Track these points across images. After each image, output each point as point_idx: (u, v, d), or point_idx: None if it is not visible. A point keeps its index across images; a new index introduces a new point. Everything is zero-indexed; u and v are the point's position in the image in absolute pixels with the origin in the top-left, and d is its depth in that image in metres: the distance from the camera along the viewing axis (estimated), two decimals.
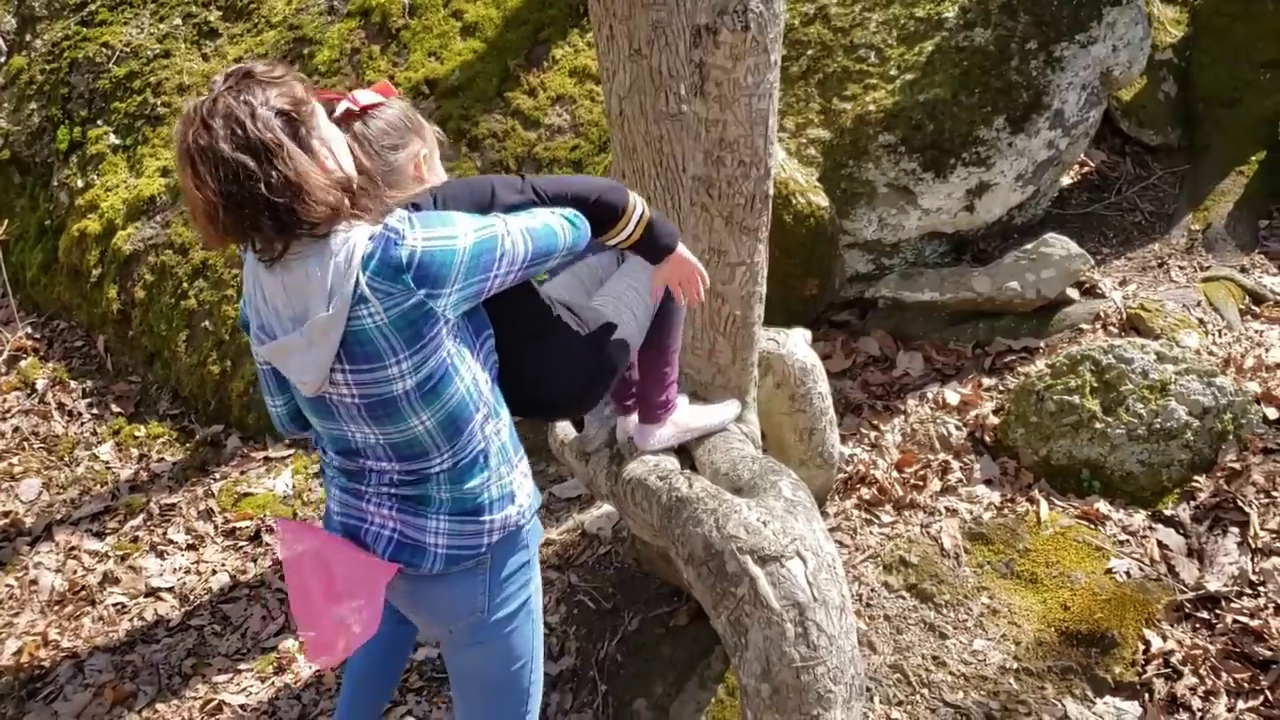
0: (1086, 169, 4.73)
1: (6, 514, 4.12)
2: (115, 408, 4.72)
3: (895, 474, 3.40)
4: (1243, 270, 4.02)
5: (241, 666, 3.34)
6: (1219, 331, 3.65)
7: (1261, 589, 2.69)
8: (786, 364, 2.91)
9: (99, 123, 5.30)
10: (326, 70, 4.89)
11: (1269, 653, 2.53)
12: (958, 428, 3.51)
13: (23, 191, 5.56)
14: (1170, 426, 3.11)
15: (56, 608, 3.66)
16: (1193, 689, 2.50)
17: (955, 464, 3.39)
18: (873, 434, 3.61)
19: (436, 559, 1.81)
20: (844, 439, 3.54)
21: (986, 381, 3.69)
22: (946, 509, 3.19)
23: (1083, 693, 2.58)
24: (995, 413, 3.51)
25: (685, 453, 2.56)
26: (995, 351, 3.80)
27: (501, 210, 1.79)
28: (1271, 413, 3.17)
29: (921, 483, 3.33)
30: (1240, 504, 2.92)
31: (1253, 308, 3.82)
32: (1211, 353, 3.51)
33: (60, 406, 4.75)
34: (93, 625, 3.57)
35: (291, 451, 4.26)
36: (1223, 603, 2.69)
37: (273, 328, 1.70)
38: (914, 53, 4.11)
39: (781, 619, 1.98)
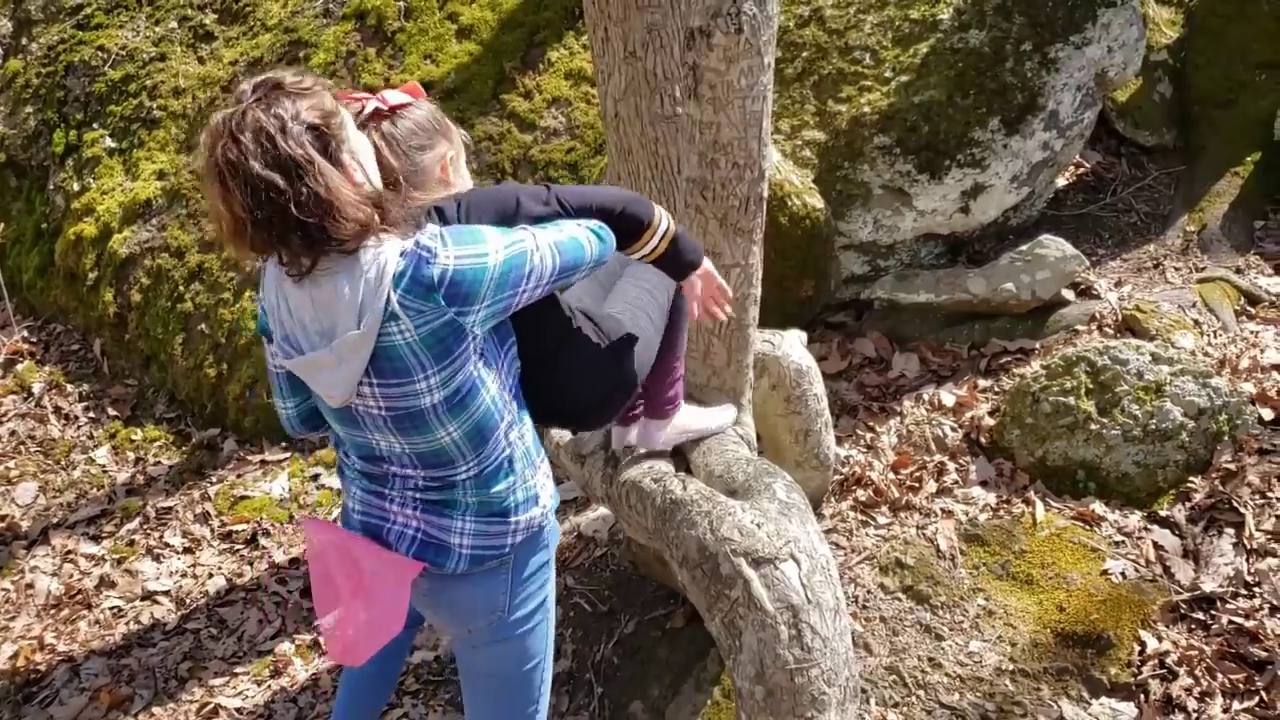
0: (1082, 170, 4.73)
1: (3, 518, 4.11)
2: (112, 411, 4.72)
3: (891, 475, 3.40)
4: (1238, 271, 4.02)
5: (238, 670, 3.34)
6: (1214, 332, 3.65)
7: (1257, 590, 2.69)
8: (782, 366, 2.91)
9: (95, 126, 5.30)
10: (322, 73, 4.88)
11: (1264, 653, 2.53)
12: (953, 429, 3.51)
13: (19, 195, 5.56)
14: (1165, 427, 3.11)
15: (52, 611, 3.66)
16: (1188, 690, 2.51)
17: (951, 465, 3.39)
18: (868, 436, 3.62)
19: (461, 559, 1.81)
20: (840, 441, 3.54)
21: (982, 383, 3.69)
22: (942, 510, 3.19)
23: (1078, 694, 2.58)
24: (991, 414, 3.51)
25: (680, 455, 2.57)
26: (991, 353, 3.80)
27: (526, 221, 1.78)
28: (1267, 413, 3.17)
29: (917, 484, 3.33)
30: (1235, 505, 2.93)
31: (1248, 308, 3.82)
32: (1207, 354, 3.51)
33: (57, 410, 4.74)
34: (89, 629, 3.57)
35: (288, 455, 4.26)
36: (1218, 603, 2.69)
37: (298, 340, 1.69)
38: (909, 54, 4.12)
39: (776, 621, 1.98)
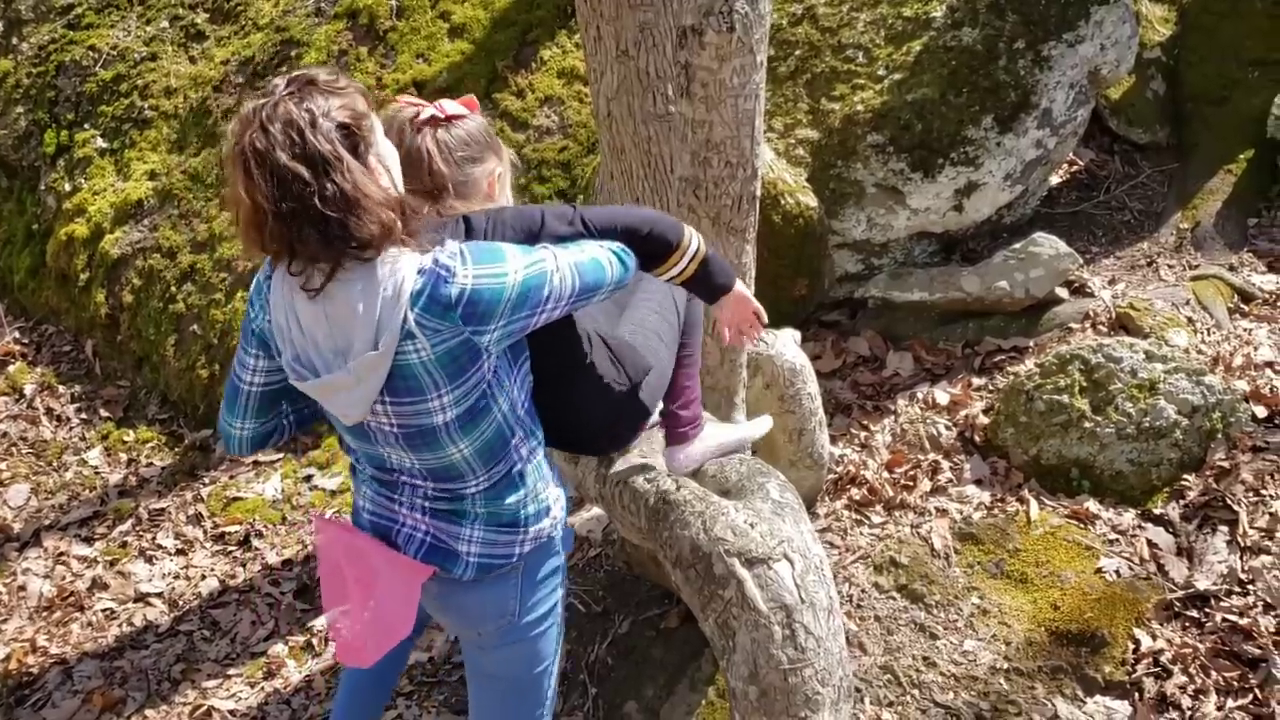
0: (1075, 168, 4.73)
1: None
2: (104, 412, 4.70)
3: (885, 474, 3.39)
4: (1231, 268, 4.02)
5: (231, 672, 3.33)
6: (1208, 330, 3.65)
7: (1250, 587, 2.69)
8: (775, 365, 2.91)
9: (86, 126, 5.28)
10: None
11: (1258, 651, 2.53)
12: (947, 428, 3.51)
13: (10, 195, 5.54)
14: (1159, 425, 3.11)
15: (45, 614, 3.65)
16: (1182, 688, 2.50)
17: (945, 464, 3.39)
18: (862, 434, 3.61)
19: (469, 566, 1.80)
20: (834, 439, 3.53)
21: (976, 381, 3.69)
22: (936, 509, 3.19)
23: (1073, 692, 2.58)
24: (985, 412, 3.51)
25: None
26: (985, 351, 3.80)
27: (550, 240, 1.76)
28: (1260, 411, 3.17)
29: (911, 483, 3.33)
30: (1229, 502, 2.93)
31: (1241, 306, 3.82)
32: (1200, 351, 3.51)
33: (49, 411, 4.73)
34: (81, 631, 3.55)
35: (281, 456, 4.24)
36: (1212, 601, 2.69)
37: (310, 359, 1.65)
38: (902, 52, 4.11)
39: (769, 621, 1.97)
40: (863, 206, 4.08)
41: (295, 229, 1.52)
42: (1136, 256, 4.25)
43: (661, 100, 2.74)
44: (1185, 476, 3.07)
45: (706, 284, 1.96)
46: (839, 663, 2.00)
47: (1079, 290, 3.90)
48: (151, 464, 4.37)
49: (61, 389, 4.86)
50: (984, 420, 3.48)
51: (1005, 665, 2.66)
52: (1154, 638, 2.63)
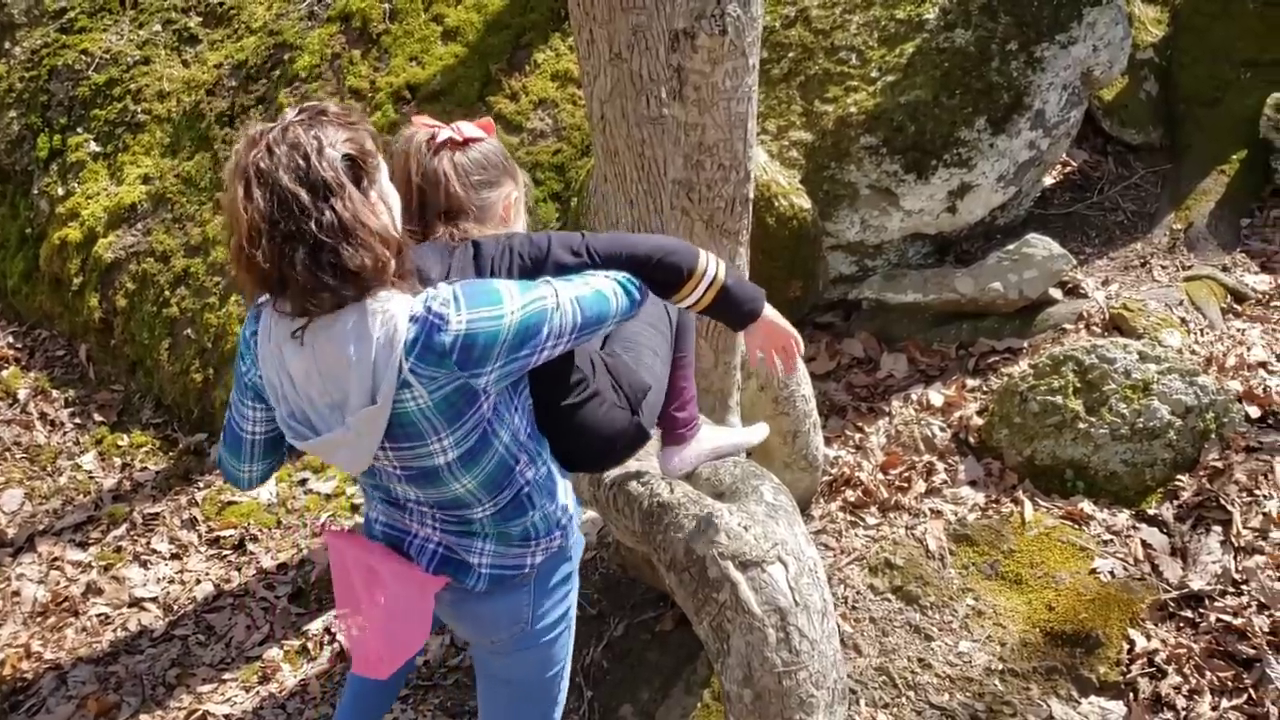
0: (1068, 169, 4.74)
1: None
2: (98, 417, 4.69)
3: (880, 476, 3.40)
4: (1225, 269, 4.03)
5: (226, 676, 3.33)
6: (1201, 330, 3.66)
7: (1244, 587, 2.69)
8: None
9: (79, 130, 5.28)
10: (308, 76, 4.87)
11: (1252, 651, 2.53)
12: (942, 429, 3.51)
13: (3, 200, 5.52)
14: (1153, 426, 3.12)
15: (39, 619, 3.64)
16: (1177, 688, 2.51)
17: (940, 465, 3.39)
18: (857, 436, 3.61)
19: (481, 578, 1.81)
20: (828, 441, 3.54)
21: (970, 382, 3.69)
22: (931, 510, 3.19)
23: (1068, 693, 2.58)
24: (979, 414, 3.51)
25: None
26: (979, 352, 3.81)
27: (553, 271, 1.73)
28: (1253, 411, 3.18)
29: (906, 484, 3.33)
30: (1223, 502, 2.93)
31: (1235, 306, 3.83)
32: (1194, 352, 3.52)
33: (42, 416, 4.72)
34: (76, 636, 3.55)
35: None
36: (1206, 601, 2.70)
37: (306, 416, 1.63)
38: (895, 54, 4.12)
39: (763, 624, 1.97)
40: (856, 208, 4.08)
41: (288, 252, 1.50)
42: (1130, 257, 4.26)
43: (654, 103, 2.75)
44: (1179, 477, 3.08)
45: (730, 311, 1.88)
46: (833, 665, 2.00)
47: (1073, 291, 3.91)
48: (146, 468, 4.36)
49: (55, 394, 4.85)
50: (978, 421, 3.48)
51: (1000, 666, 2.66)
52: (1148, 638, 2.63)
